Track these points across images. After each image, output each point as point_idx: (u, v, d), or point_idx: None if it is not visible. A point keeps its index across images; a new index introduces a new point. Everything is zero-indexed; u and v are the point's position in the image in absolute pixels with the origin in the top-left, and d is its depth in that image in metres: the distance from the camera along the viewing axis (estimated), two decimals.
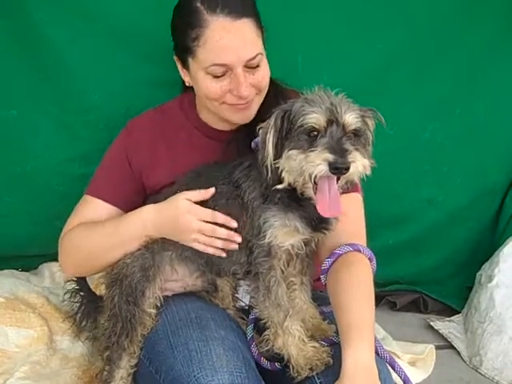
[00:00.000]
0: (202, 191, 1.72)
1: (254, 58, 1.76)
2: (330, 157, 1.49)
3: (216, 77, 1.76)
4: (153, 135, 1.95)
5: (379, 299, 2.76)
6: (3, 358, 1.95)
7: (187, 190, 1.75)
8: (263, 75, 1.81)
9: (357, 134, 1.57)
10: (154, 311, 1.78)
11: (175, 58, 1.88)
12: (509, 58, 2.53)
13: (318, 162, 1.49)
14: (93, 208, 1.93)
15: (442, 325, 2.66)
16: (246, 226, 1.68)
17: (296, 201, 1.64)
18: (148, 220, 1.77)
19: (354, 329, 1.59)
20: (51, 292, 2.25)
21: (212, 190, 1.72)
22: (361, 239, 1.81)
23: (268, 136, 1.59)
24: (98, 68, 2.29)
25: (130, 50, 2.27)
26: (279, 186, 1.60)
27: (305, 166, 1.52)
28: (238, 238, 1.69)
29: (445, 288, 2.82)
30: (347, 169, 1.49)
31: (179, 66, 1.88)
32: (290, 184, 1.59)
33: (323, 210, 1.55)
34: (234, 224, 1.69)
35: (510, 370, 2.39)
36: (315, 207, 1.58)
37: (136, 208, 1.84)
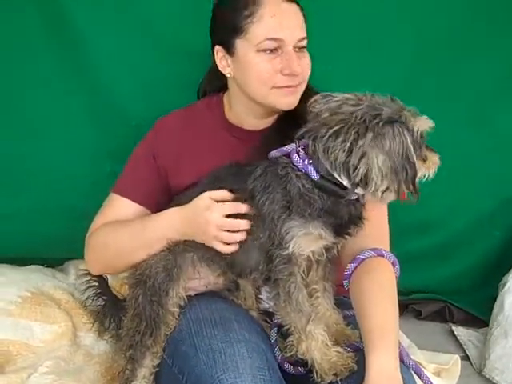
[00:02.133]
0: (225, 191, 1.70)
1: (303, 39, 1.79)
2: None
3: (268, 53, 1.76)
4: (179, 135, 1.95)
5: (403, 307, 2.73)
6: (28, 353, 1.96)
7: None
8: (308, 63, 1.83)
9: None
10: (177, 310, 1.77)
11: (216, 48, 1.85)
12: None
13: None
14: (119, 207, 1.94)
15: (464, 332, 2.66)
16: (264, 237, 1.67)
17: (330, 207, 1.61)
18: (170, 223, 1.77)
19: (377, 335, 1.57)
20: (76, 288, 2.26)
21: (233, 195, 1.70)
22: (384, 244, 1.79)
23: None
24: (129, 64, 2.30)
25: (164, 48, 2.28)
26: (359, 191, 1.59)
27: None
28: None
29: (470, 298, 2.78)
30: None
31: (219, 58, 1.85)
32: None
33: None
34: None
35: (510, 372, 2.39)
36: (349, 210, 1.60)
37: (162, 207, 1.84)
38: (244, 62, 1.80)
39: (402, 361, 1.64)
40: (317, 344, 1.64)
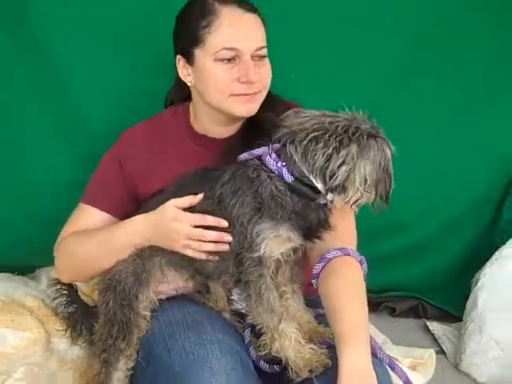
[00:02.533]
0: (190, 197, 1.71)
1: (261, 48, 1.81)
2: None
3: (225, 63, 1.78)
4: (146, 145, 1.96)
5: (378, 305, 2.78)
6: (2, 359, 1.95)
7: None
8: (267, 72, 1.85)
9: None
10: (148, 314, 1.78)
11: (178, 57, 1.88)
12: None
13: None
14: (88, 216, 1.95)
15: (439, 327, 2.71)
16: (234, 241, 1.68)
17: (301, 210, 1.63)
18: (137, 230, 1.79)
19: (347, 333, 1.58)
20: (48, 296, 2.23)
21: (200, 196, 1.71)
22: (352, 244, 1.80)
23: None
24: (97, 78, 2.32)
25: (130, 60, 2.30)
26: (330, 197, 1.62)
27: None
28: (229, 238, 1.68)
29: (443, 295, 2.82)
30: None
31: (180, 67, 1.89)
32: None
33: None
34: (225, 223, 1.67)
35: (487, 368, 2.44)
36: (318, 214, 1.63)
37: (130, 215, 1.85)
38: (203, 71, 1.82)
39: (375, 355, 1.66)
40: (290, 342, 1.65)
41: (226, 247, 1.69)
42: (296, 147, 1.59)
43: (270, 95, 1.90)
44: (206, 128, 1.94)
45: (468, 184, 2.68)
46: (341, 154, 1.55)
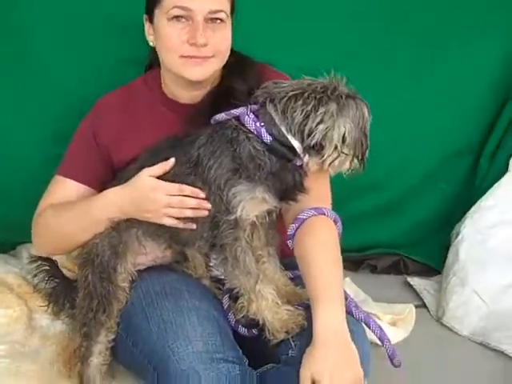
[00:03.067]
0: (162, 164, 1.72)
1: (217, 11, 1.77)
2: None
3: (177, 22, 1.76)
4: (119, 112, 1.95)
5: (359, 263, 2.80)
6: None
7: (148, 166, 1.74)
8: (223, 37, 1.81)
9: None
10: (127, 285, 1.80)
11: (144, 18, 1.89)
12: (476, 25, 2.54)
13: None
14: (64, 188, 1.94)
15: (419, 282, 2.72)
16: (210, 203, 1.69)
17: (277, 172, 1.64)
18: (113, 202, 1.78)
19: (321, 293, 1.60)
20: (29, 272, 2.22)
21: (172, 160, 1.72)
22: (326, 203, 1.80)
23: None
24: (70, 52, 2.29)
25: (103, 34, 2.27)
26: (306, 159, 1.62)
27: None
28: (208, 205, 1.69)
29: (424, 249, 2.84)
30: None
31: (146, 27, 1.89)
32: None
33: None
34: (202, 194, 1.69)
35: (469, 320, 2.44)
36: (294, 176, 1.64)
37: (107, 185, 1.85)
38: (158, 30, 1.82)
39: (350, 313, 1.68)
40: (267, 303, 1.67)
41: (205, 213, 1.70)
42: (276, 105, 1.61)
43: (240, 58, 1.89)
44: (175, 93, 1.93)
45: (444, 136, 2.68)
46: (319, 112, 1.56)
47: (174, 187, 1.70)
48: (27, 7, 2.23)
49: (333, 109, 1.56)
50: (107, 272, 1.78)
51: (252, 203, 1.65)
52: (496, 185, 2.63)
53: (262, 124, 1.63)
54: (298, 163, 1.65)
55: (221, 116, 1.71)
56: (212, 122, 1.74)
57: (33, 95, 2.34)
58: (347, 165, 1.64)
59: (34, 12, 2.23)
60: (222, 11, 1.78)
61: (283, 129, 1.61)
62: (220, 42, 1.80)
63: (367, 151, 1.63)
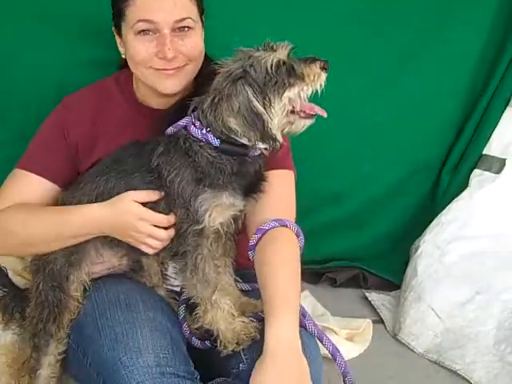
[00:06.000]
0: (149, 192, 1.68)
1: (183, 19, 1.74)
2: None
3: (144, 35, 1.74)
4: (90, 110, 1.91)
5: (319, 276, 2.79)
6: None
7: (110, 175, 1.73)
8: (194, 44, 1.78)
9: None
10: (79, 295, 1.75)
11: (113, 29, 1.86)
12: (444, 38, 2.55)
13: None
14: (26, 183, 1.85)
15: (378, 297, 2.71)
16: (177, 215, 1.67)
17: (238, 169, 1.64)
18: (94, 220, 1.71)
19: (276, 306, 1.59)
20: None
21: (160, 193, 1.68)
22: (289, 214, 1.80)
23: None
24: (30, 49, 2.25)
25: (63, 31, 2.23)
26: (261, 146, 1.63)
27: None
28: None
29: (383, 263, 2.85)
30: None
31: (117, 39, 1.87)
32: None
33: None
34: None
35: (425, 337, 2.43)
36: (255, 168, 1.65)
37: (69, 183, 1.82)
38: (126, 43, 1.80)
39: (305, 327, 1.68)
40: (222, 314, 1.66)
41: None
42: (207, 114, 1.62)
43: (210, 62, 1.84)
44: (146, 98, 1.92)
45: (407, 150, 2.70)
46: (217, 112, 1.59)
47: (162, 218, 1.67)
48: None
49: (224, 104, 1.58)
50: (59, 281, 1.74)
51: (219, 209, 1.64)
52: (456, 199, 2.63)
53: (208, 130, 1.63)
54: (257, 153, 1.65)
55: (170, 130, 1.71)
56: (168, 131, 1.72)
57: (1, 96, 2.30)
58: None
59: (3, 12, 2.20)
60: (188, 18, 1.75)
61: (225, 131, 1.61)
62: (191, 49, 1.78)
63: (268, 126, 1.58)
